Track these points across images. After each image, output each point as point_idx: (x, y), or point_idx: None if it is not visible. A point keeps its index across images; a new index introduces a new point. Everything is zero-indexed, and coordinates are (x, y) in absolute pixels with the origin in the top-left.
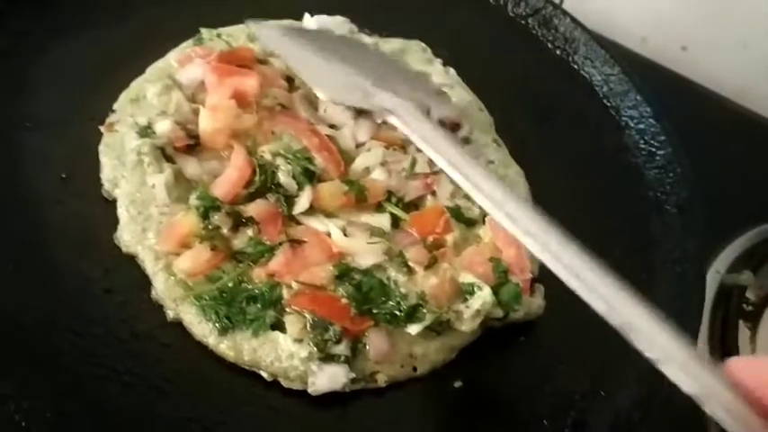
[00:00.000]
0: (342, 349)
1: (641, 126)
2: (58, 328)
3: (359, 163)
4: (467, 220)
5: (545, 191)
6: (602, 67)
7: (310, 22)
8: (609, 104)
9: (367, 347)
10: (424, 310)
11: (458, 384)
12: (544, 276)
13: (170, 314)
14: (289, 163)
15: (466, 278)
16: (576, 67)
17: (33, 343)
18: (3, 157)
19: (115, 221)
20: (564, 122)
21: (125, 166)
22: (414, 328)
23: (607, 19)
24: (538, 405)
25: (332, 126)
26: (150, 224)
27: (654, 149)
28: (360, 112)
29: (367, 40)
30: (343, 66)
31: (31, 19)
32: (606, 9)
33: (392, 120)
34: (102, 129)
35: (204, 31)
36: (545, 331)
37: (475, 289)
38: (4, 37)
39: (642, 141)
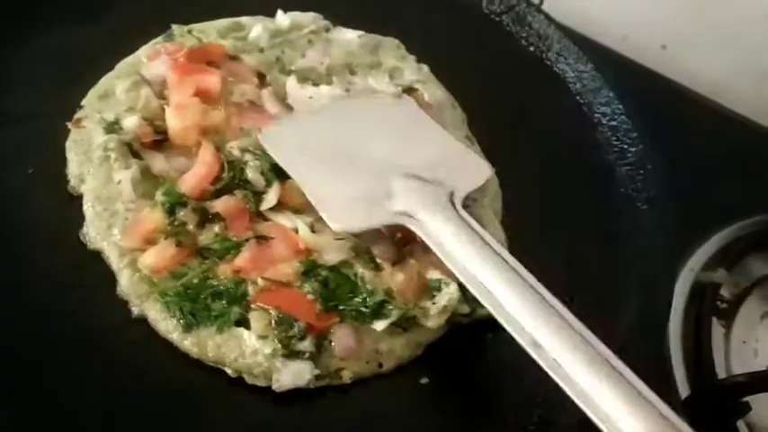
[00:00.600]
0: (306, 346)
1: (614, 123)
2: (20, 323)
3: None
4: None
5: (517, 187)
6: (576, 64)
7: (283, 18)
8: (582, 101)
9: (332, 344)
10: (391, 307)
11: (424, 381)
12: None
13: (135, 311)
14: (257, 159)
15: (433, 274)
16: (549, 63)
17: None
18: None
19: (81, 218)
20: (537, 119)
21: (92, 162)
22: (380, 325)
23: (587, 17)
24: (504, 402)
25: None
26: (116, 220)
27: (626, 146)
28: None
29: (348, 34)
30: (357, 168)
31: (4, 14)
32: (586, 7)
33: (410, 226)
34: (69, 125)
35: (175, 27)
36: None
37: (442, 285)
38: None
39: (614, 138)
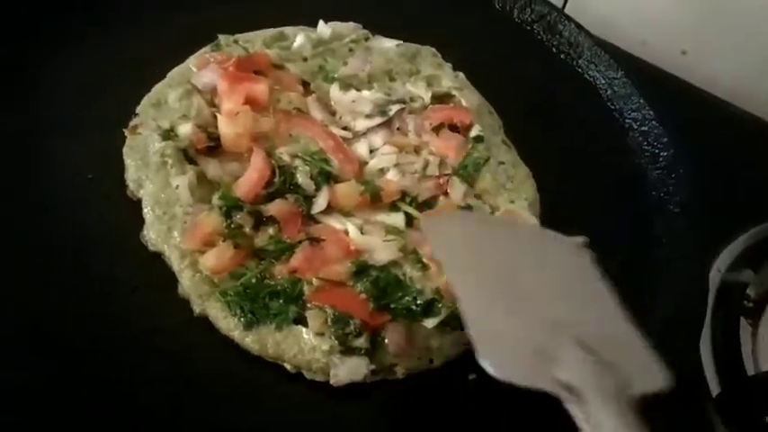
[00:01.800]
0: (362, 342)
1: (644, 128)
2: (85, 326)
3: (373, 164)
4: None
5: (551, 192)
6: (606, 71)
7: (324, 28)
8: (612, 107)
9: (386, 341)
10: (440, 305)
11: (472, 377)
12: None
13: (196, 310)
14: (306, 164)
15: None
16: (580, 71)
17: (60, 340)
18: (32, 159)
19: (140, 221)
20: (569, 125)
21: (149, 167)
22: (430, 322)
23: (607, 23)
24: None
25: (345, 128)
26: (175, 223)
27: (657, 151)
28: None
29: (386, 43)
30: (526, 311)
31: (58, 23)
32: (607, 13)
33: (571, 405)
34: (125, 132)
35: (222, 38)
36: None
37: None
38: (35, 41)
39: (645, 143)
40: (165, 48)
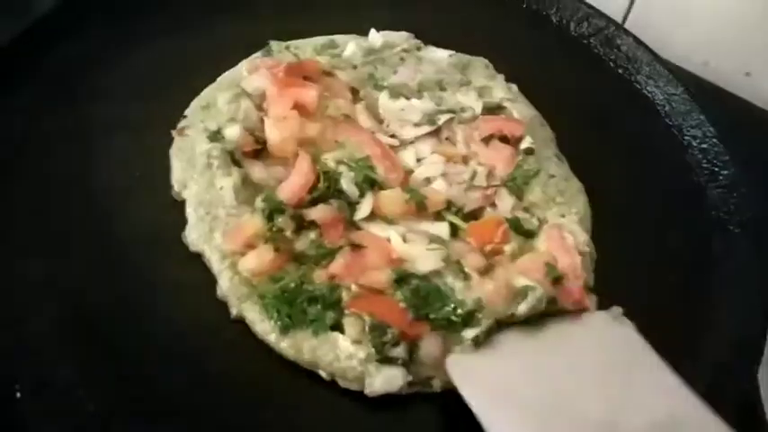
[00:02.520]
0: (399, 352)
1: (704, 146)
2: (124, 320)
3: (419, 173)
4: (525, 231)
5: (605, 208)
6: (665, 87)
7: (376, 36)
8: (671, 124)
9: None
10: (480, 316)
11: None
12: (599, 288)
13: (233, 312)
14: (351, 170)
15: (521, 282)
16: (638, 86)
17: (98, 335)
18: (83, 155)
19: (183, 221)
20: (625, 140)
21: (195, 168)
22: (469, 333)
23: (668, 41)
24: None
25: (393, 136)
26: (217, 224)
27: (717, 169)
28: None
29: (438, 53)
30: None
31: (114, 26)
32: (668, 31)
33: None
34: (173, 133)
35: (273, 44)
36: None
37: (528, 291)
38: (90, 43)
39: (705, 161)
40: (219, 52)
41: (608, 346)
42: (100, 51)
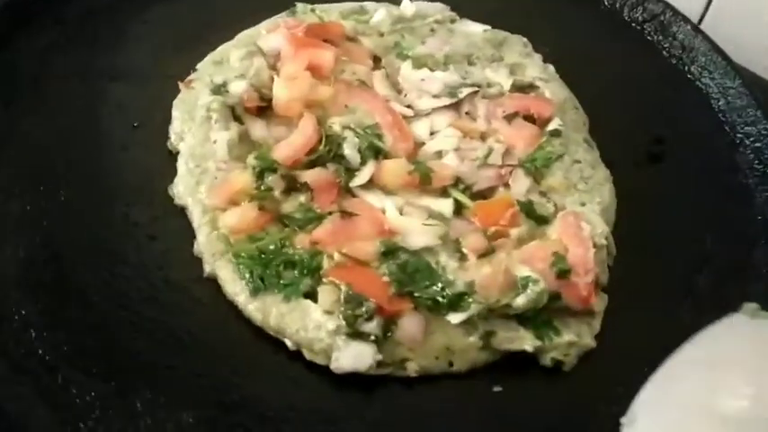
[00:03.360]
0: (372, 327)
1: (758, 145)
2: (95, 265)
3: (431, 146)
4: (538, 216)
5: (635, 202)
6: (722, 79)
7: (408, 5)
8: (724, 119)
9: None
10: (470, 300)
11: (497, 389)
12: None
13: (207, 269)
14: (357, 136)
15: (522, 272)
16: (691, 77)
17: (67, 275)
18: (85, 101)
19: (173, 174)
20: (669, 133)
21: (194, 121)
22: (455, 317)
23: (739, 45)
24: (582, 428)
25: (409, 107)
26: (205, 178)
27: None
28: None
29: (472, 27)
30: None
31: None
32: (741, 36)
33: None
34: (180, 84)
35: (299, 5)
36: (602, 348)
37: (530, 283)
38: None
39: (757, 161)
40: (243, 11)
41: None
42: (122, 1)
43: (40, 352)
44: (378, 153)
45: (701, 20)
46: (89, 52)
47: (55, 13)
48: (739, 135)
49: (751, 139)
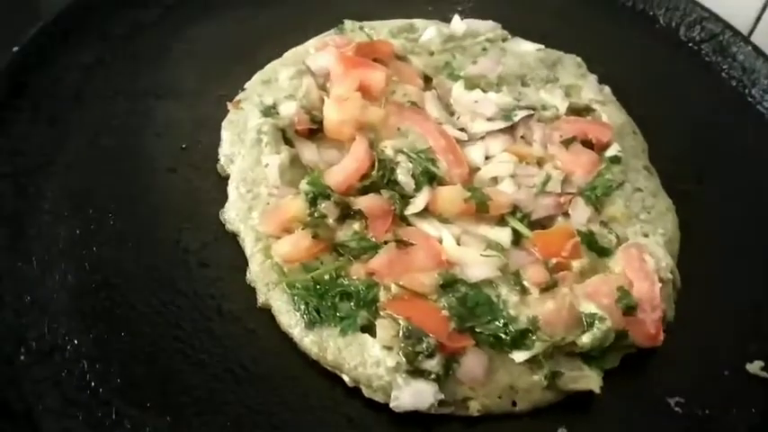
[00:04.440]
0: (433, 365)
1: None
2: (146, 294)
3: (486, 171)
4: (600, 248)
5: (698, 232)
6: None
7: (459, 24)
8: None
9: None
10: (534, 338)
11: (561, 430)
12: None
13: (260, 299)
14: (410, 161)
15: (587, 308)
16: (751, 100)
17: (117, 304)
18: (131, 120)
19: (223, 198)
20: (729, 159)
21: (243, 143)
22: (519, 356)
23: None
24: None
25: (462, 130)
26: (257, 204)
27: None
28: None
29: (525, 46)
30: None
31: None
32: None
33: None
34: (229, 105)
35: (347, 23)
36: (668, 385)
37: (596, 321)
38: (155, 8)
39: None
40: (290, 28)
41: None
42: (168, 18)
43: (93, 384)
44: (432, 179)
45: (750, 32)
46: (134, 70)
47: (99, 30)
48: None
49: None
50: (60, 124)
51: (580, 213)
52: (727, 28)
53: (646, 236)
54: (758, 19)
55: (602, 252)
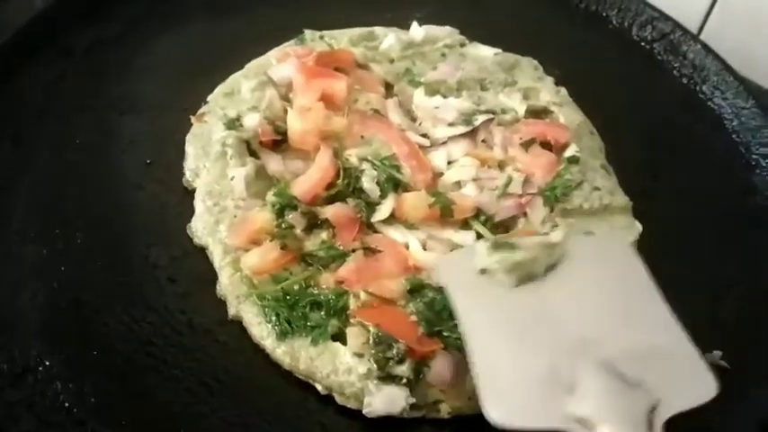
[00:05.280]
0: (404, 370)
1: None
2: (116, 311)
3: (449, 176)
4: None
5: (655, 228)
6: (734, 100)
7: (418, 30)
8: (738, 140)
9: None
10: None
11: None
12: None
13: (231, 311)
14: (375, 169)
15: None
16: (703, 97)
17: (89, 323)
18: (95, 137)
19: (191, 212)
20: (684, 156)
21: (208, 156)
22: None
23: (748, 56)
24: None
25: (424, 136)
26: (224, 217)
27: None
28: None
29: (483, 51)
30: (543, 340)
31: (144, 7)
32: (748, 45)
33: None
34: (192, 119)
35: (307, 32)
36: None
37: None
38: (117, 22)
39: None
40: (251, 39)
41: (608, 268)
42: (129, 32)
43: (67, 405)
44: (397, 185)
45: (700, 30)
46: (96, 85)
47: (61, 45)
48: (755, 156)
49: (766, 160)
50: (24, 143)
51: (538, 212)
52: (678, 27)
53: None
54: (707, 17)
55: None
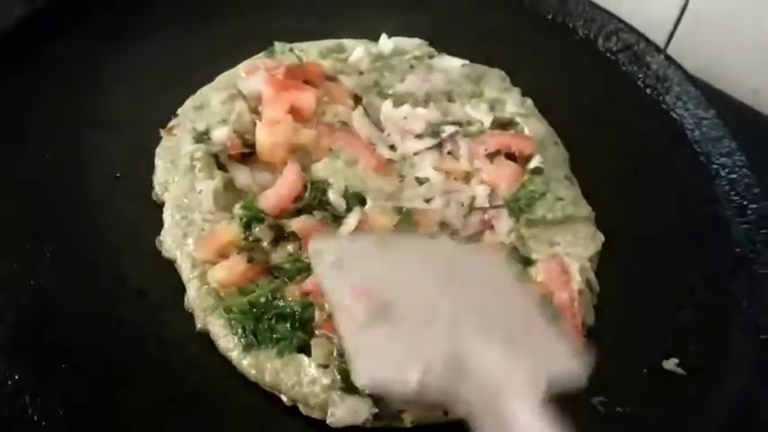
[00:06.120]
0: None
1: (733, 176)
2: (85, 325)
3: (417, 191)
4: (523, 259)
5: (619, 237)
6: (695, 110)
7: (386, 42)
8: (699, 150)
9: None
10: None
11: None
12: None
13: (199, 324)
14: (341, 182)
15: None
16: (665, 107)
17: (57, 336)
18: (65, 151)
19: (160, 225)
20: (647, 165)
21: (177, 170)
22: None
23: (716, 67)
24: None
25: (392, 147)
26: (192, 230)
27: (746, 203)
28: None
29: (451, 62)
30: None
31: (115, 20)
32: (716, 57)
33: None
34: (162, 132)
35: (277, 45)
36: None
37: None
38: (87, 36)
39: (734, 193)
40: (221, 52)
41: (477, 270)
42: (99, 45)
43: (35, 418)
44: (363, 199)
45: (667, 42)
46: (66, 99)
47: (31, 58)
48: (715, 166)
49: (726, 170)
50: None
51: (504, 224)
52: (642, 38)
53: (565, 245)
54: (675, 28)
55: (526, 262)
